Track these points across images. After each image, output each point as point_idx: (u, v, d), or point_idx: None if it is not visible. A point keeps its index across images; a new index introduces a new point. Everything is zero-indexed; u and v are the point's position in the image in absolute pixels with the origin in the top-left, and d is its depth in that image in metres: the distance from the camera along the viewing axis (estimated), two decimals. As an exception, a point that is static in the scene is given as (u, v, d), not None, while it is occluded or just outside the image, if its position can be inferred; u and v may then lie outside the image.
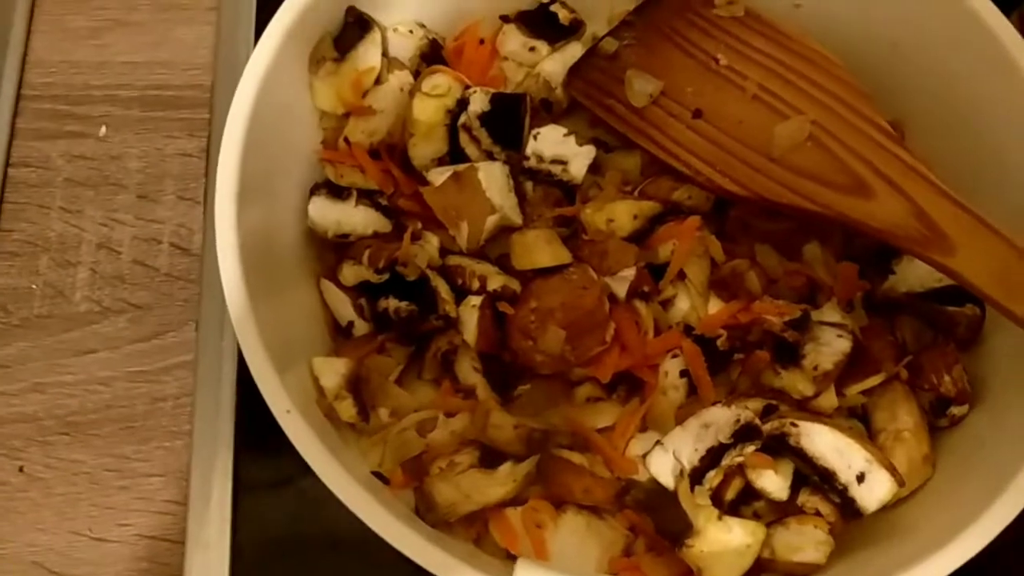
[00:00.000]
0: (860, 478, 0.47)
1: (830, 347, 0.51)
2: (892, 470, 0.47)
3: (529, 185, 0.58)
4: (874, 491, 0.47)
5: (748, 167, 0.54)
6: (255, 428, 0.57)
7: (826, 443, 0.48)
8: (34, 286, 0.61)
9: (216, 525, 0.55)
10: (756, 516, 0.51)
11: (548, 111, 0.62)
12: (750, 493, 0.51)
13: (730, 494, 0.50)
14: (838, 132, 0.53)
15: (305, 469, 0.52)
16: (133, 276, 0.62)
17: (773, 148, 0.54)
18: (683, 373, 0.53)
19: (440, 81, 0.57)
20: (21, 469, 0.57)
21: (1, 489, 0.56)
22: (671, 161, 0.56)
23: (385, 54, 0.58)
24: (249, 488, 0.56)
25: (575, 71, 0.61)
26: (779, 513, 0.50)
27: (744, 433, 0.48)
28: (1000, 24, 0.53)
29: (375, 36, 0.56)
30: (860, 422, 0.53)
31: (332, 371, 0.50)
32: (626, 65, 0.59)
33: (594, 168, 0.59)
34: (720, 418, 0.48)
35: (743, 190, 0.54)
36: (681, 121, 0.57)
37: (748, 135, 0.55)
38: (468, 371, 0.54)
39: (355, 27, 0.56)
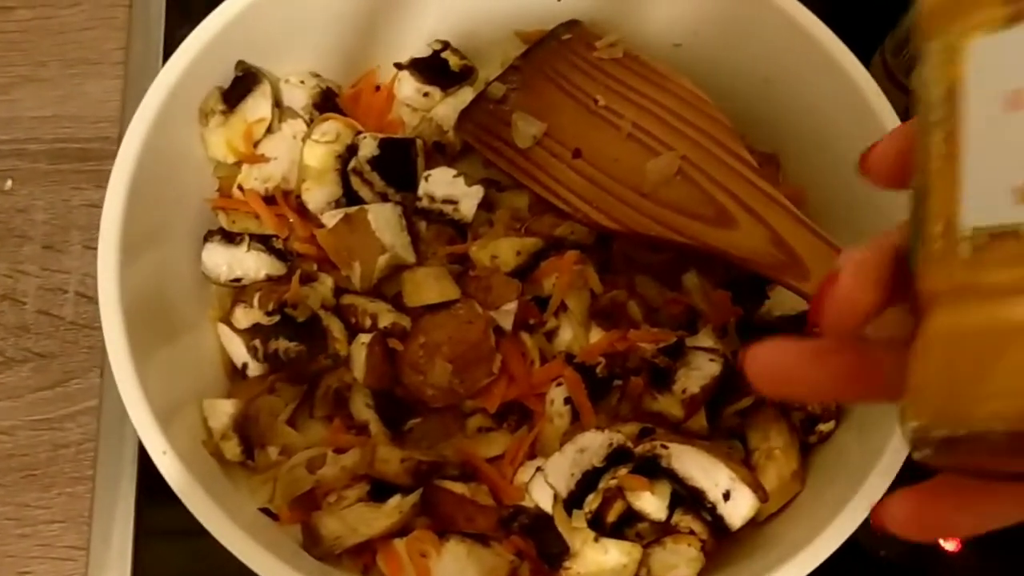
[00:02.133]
0: (726, 496, 0.49)
1: (700, 371, 0.53)
2: (756, 487, 0.49)
3: (423, 224, 0.61)
4: (738, 508, 0.49)
5: (622, 203, 0.57)
6: (158, 472, 0.58)
7: (694, 463, 0.50)
8: (-63, 337, 0.62)
9: (117, 570, 0.56)
10: (639, 537, 0.52)
11: (442, 153, 0.64)
12: (632, 515, 0.53)
13: (612, 516, 0.52)
14: (706, 166, 0.56)
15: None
16: (38, 325, 0.63)
17: (645, 184, 0.57)
18: (567, 400, 0.55)
19: (329, 128, 0.60)
20: (-78, 519, 0.57)
21: (-99, 540, 0.57)
22: (552, 199, 0.59)
23: (278, 104, 0.60)
24: (151, 534, 0.57)
25: (466, 115, 0.63)
26: (661, 534, 0.52)
27: (616, 456, 0.50)
28: (849, 61, 0.56)
29: (264, 88, 0.58)
30: (740, 442, 0.56)
31: (221, 412, 0.52)
32: (513, 108, 0.62)
33: (488, 206, 0.61)
34: (594, 442, 0.50)
35: (616, 224, 0.56)
36: (562, 161, 0.60)
37: (623, 172, 0.58)
38: (361, 408, 0.56)
39: (244, 80, 0.58)
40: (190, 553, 0.57)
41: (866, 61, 0.58)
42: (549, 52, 0.64)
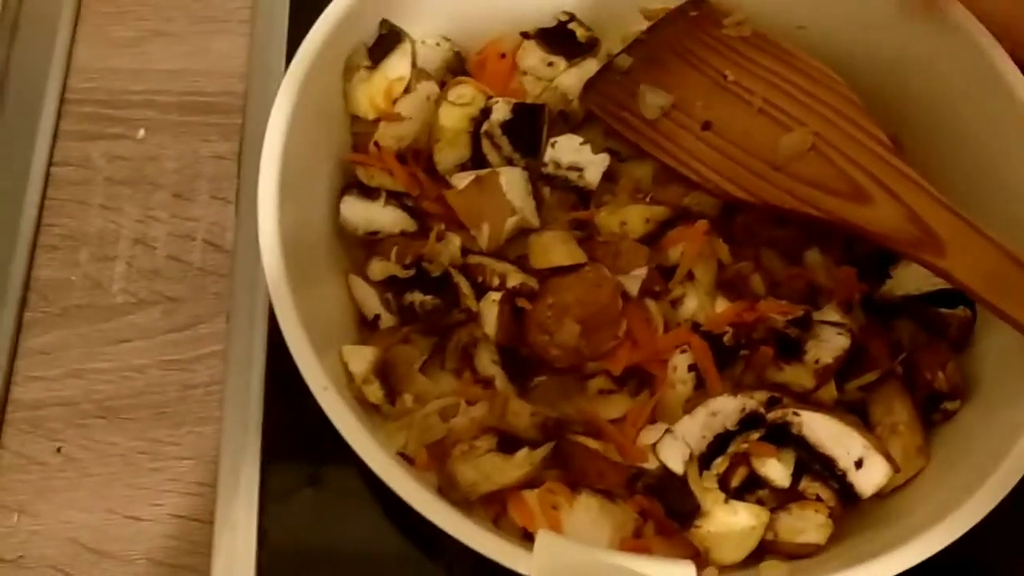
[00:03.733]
0: (858, 464, 0.50)
1: (830, 343, 0.54)
2: (888, 456, 0.50)
3: (547, 190, 0.62)
4: (871, 476, 0.50)
5: (754, 175, 0.57)
6: (283, 416, 0.60)
7: (826, 431, 0.51)
8: (74, 278, 0.64)
9: (244, 506, 0.58)
10: (760, 503, 0.53)
11: (565, 122, 0.65)
12: (755, 481, 0.53)
13: (735, 481, 0.53)
14: (838, 143, 0.57)
15: (330, 459, 0.55)
16: (168, 270, 0.65)
17: (777, 158, 0.57)
18: (691, 368, 0.56)
19: (465, 91, 0.61)
20: (59, 450, 0.60)
21: (40, 469, 0.59)
22: (681, 169, 0.60)
23: (414, 65, 0.61)
24: (276, 473, 0.59)
25: (591, 85, 0.64)
26: (781, 500, 0.53)
27: (749, 421, 0.51)
28: (989, 44, 0.57)
29: (406, 47, 0.60)
30: (859, 416, 0.56)
31: (361, 358, 0.53)
32: (639, 80, 0.63)
33: (608, 176, 0.62)
34: (727, 407, 0.51)
35: (749, 196, 0.57)
36: (691, 132, 0.61)
37: (754, 146, 0.58)
38: (487, 363, 0.57)
39: (387, 38, 0.59)
40: (312, 494, 0.59)
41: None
42: (676, 28, 0.65)
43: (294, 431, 0.59)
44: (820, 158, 0.57)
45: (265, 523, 0.58)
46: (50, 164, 0.67)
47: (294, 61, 0.55)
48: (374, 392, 0.52)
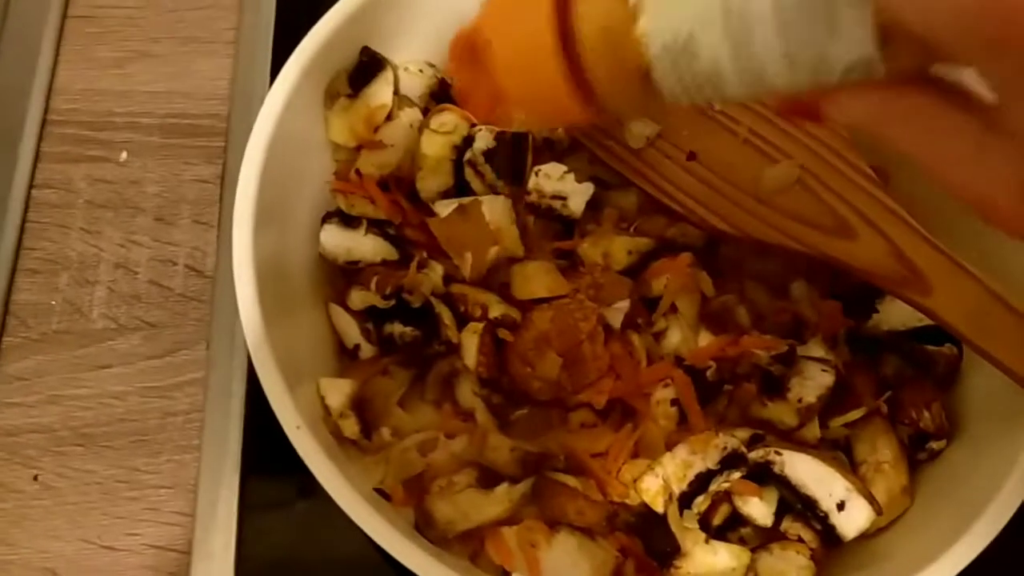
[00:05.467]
0: (840, 506, 0.50)
1: (814, 381, 0.53)
2: (871, 499, 0.49)
3: (530, 219, 0.61)
4: (853, 519, 0.49)
5: (738, 207, 0.57)
6: (262, 446, 0.59)
7: (808, 472, 0.50)
8: (53, 302, 0.64)
9: (222, 537, 0.57)
10: (742, 541, 0.53)
11: (550, 150, 0.65)
12: (737, 519, 0.53)
13: (717, 519, 0.52)
14: (824, 176, 0.56)
15: (309, 489, 0.54)
16: (149, 295, 0.64)
17: (762, 190, 0.57)
18: (674, 402, 0.55)
19: (448, 119, 0.60)
20: (36, 478, 0.59)
21: (16, 496, 0.58)
22: (665, 200, 0.59)
23: (396, 92, 0.61)
24: (255, 503, 0.58)
25: (577, 112, 0.64)
26: (764, 539, 0.53)
27: (730, 460, 0.50)
28: (975, 80, 0.56)
29: (387, 75, 0.59)
30: (843, 454, 0.56)
31: (337, 391, 0.53)
32: (625, 107, 0.62)
33: (593, 205, 0.61)
34: (708, 445, 0.51)
35: (733, 229, 0.56)
36: (676, 163, 0.60)
37: (739, 177, 0.58)
38: (468, 395, 0.56)
39: (368, 66, 0.59)
40: (291, 523, 0.58)
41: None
42: (663, 54, 0.64)
43: (274, 460, 0.57)
44: (805, 191, 0.56)
45: (243, 553, 0.57)
46: (31, 187, 0.67)
47: (273, 88, 0.54)
48: (350, 427, 0.52)
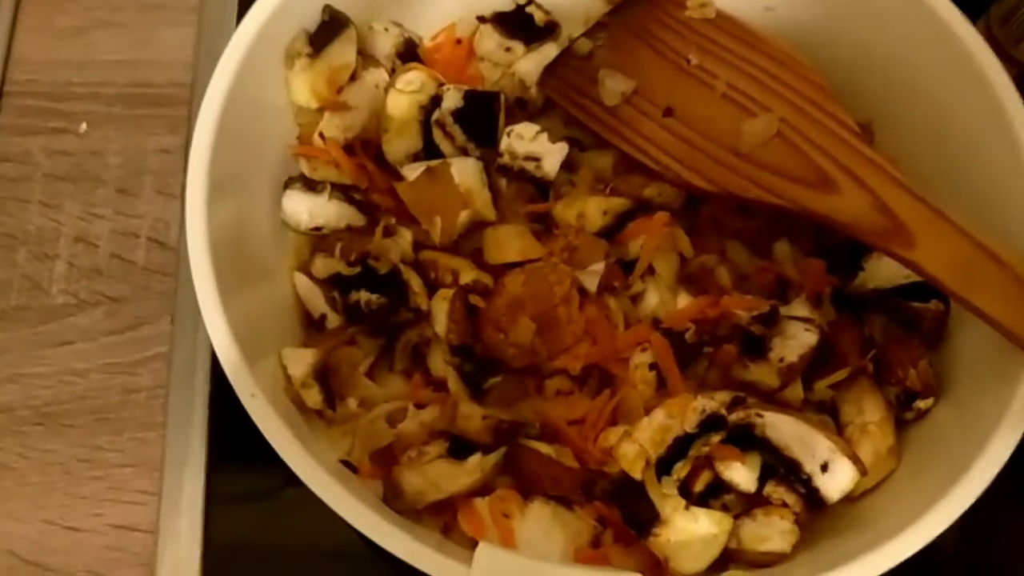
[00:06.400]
0: (824, 468, 0.48)
1: (796, 340, 0.51)
2: (855, 459, 0.48)
3: (503, 182, 0.59)
4: (837, 480, 0.47)
5: (717, 163, 0.55)
6: (229, 423, 0.57)
7: (791, 433, 0.48)
8: (12, 279, 0.62)
9: (188, 516, 0.56)
10: (725, 508, 0.51)
11: (523, 109, 0.63)
12: (719, 486, 0.51)
13: (699, 486, 0.51)
14: (805, 129, 0.54)
15: (278, 468, 0.52)
16: (110, 269, 0.62)
17: (741, 145, 0.55)
18: (652, 366, 0.53)
19: (414, 78, 0.58)
20: (-6, 459, 0.57)
21: (-26, 479, 0.57)
22: (642, 158, 0.57)
23: (361, 52, 0.59)
24: (222, 482, 0.57)
25: (550, 71, 0.61)
26: (747, 505, 0.51)
27: (710, 423, 0.48)
28: (964, 28, 0.54)
29: (350, 33, 0.57)
30: (829, 416, 0.54)
31: (300, 360, 0.51)
32: (599, 65, 0.60)
33: (568, 166, 0.59)
34: (686, 408, 0.49)
35: (712, 185, 0.54)
36: (652, 119, 0.58)
37: (717, 132, 0.56)
38: (439, 364, 0.54)
39: (330, 25, 0.57)
40: (259, 501, 0.56)
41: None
42: (638, 10, 0.62)
43: (240, 436, 0.55)
44: (785, 145, 0.54)
45: (210, 532, 0.56)
46: (-12, 160, 0.65)
47: (227, 50, 0.52)
48: (312, 397, 0.50)
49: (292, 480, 0.54)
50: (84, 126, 0.66)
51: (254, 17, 0.53)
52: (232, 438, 0.57)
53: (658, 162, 0.56)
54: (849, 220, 0.50)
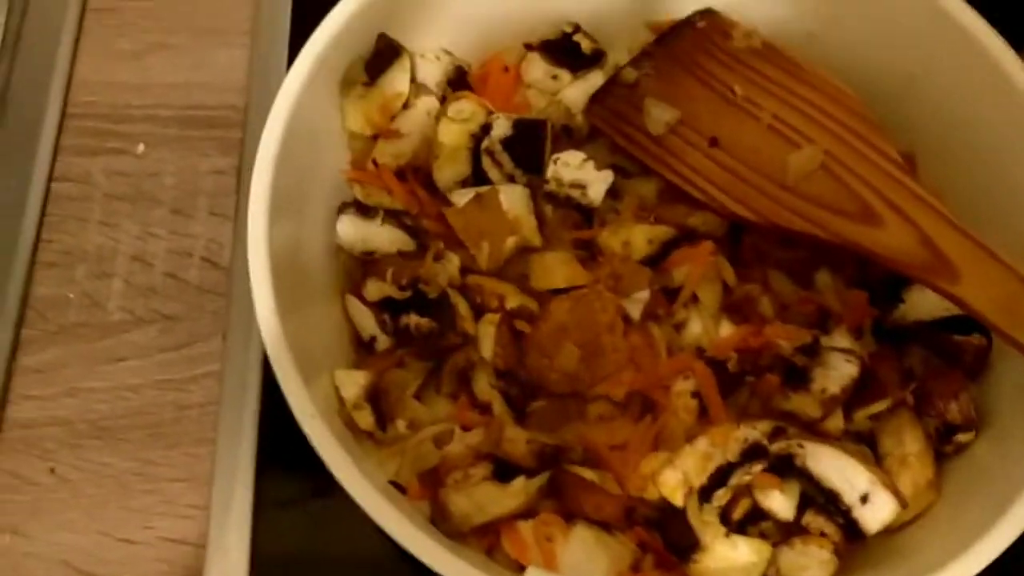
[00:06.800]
0: (864, 499, 0.48)
1: (838, 371, 0.52)
2: (895, 492, 0.48)
3: (549, 208, 0.60)
4: (877, 512, 0.48)
5: (762, 194, 0.56)
6: (278, 439, 0.59)
7: (831, 464, 0.49)
8: (71, 295, 0.64)
9: (236, 531, 0.57)
10: (763, 536, 0.51)
11: (569, 137, 0.64)
12: (758, 513, 0.52)
13: (738, 514, 0.51)
14: (850, 162, 0.55)
15: (325, 484, 0.54)
16: (165, 288, 0.64)
17: (786, 176, 0.55)
18: (694, 395, 0.54)
19: (465, 106, 0.59)
20: (52, 470, 0.59)
21: (32, 489, 0.58)
22: (687, 187, 0.58)
23: (413, 79, 0.60)
24: (270, 498, 0.58)
25: (596, 99, 0.63)
26: (785, 534, 0.51)
27: (751, 453, 0.49)
28: (1010, 60, 0.54)
29: (404, 62, 0.59)
30: (867, 447, 0.54)
31: (352, 383, 0.52)
32: (645, 94, 0.61)
33: (613, 193, 0.60)
34: (729, 438, 0.50)
35: (756, 216, 0.55)
36: (697, 149, 0.59)
37: (762, 163, 0.57)
38: (484, 387, 0.55)
39: (385, 53, 0.58)
40: (306, 517, 0.57)
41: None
42: (683, 40, 0.63)
43: (289, 453, 0.57)
44: (830, 177, 0.55)
45: (259, 548, 0.57)
46: (50, 180, 0.67)
47: (288, 77, 0.54)
48: (364, 418, 0.51)
49: (340, 496, 0.56)
50: (142, 147, 0.68)
51: (313, 44, 0.55)
52: (281, 454, 0.59)
53: (704, 192, 0.57)
54: (893, 254, 0.51)
